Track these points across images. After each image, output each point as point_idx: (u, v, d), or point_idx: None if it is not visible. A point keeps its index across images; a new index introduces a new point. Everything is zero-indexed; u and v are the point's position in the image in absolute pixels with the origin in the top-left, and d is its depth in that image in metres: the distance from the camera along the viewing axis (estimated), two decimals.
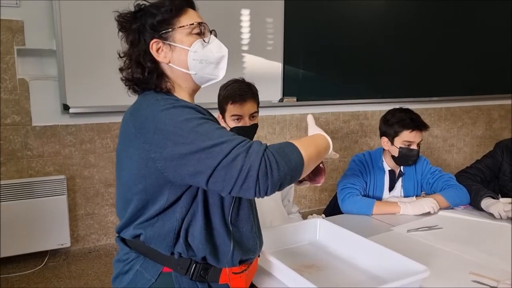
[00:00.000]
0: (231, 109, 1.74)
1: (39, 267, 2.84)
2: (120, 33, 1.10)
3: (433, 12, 4.13)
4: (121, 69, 1.11)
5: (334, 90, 3.78)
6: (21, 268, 2.81)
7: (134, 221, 1.06)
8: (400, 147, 2.03)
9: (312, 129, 1.17)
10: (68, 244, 2.92)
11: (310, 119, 1.20)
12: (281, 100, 3.53)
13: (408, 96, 4.07)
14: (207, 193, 1.04)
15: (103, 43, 2.82)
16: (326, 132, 1.16)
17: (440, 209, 1.95)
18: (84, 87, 2.87)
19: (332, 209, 2.24)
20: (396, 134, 2.05)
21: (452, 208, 2.00)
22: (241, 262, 1.11)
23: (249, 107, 1.76)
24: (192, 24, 1.07)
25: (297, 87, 3.58)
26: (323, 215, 1.96)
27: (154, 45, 1.06)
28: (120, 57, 1.11)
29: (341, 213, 2.02)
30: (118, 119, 3.01)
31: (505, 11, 4.54)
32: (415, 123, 2.02)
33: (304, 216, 2.29)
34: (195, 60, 1.07)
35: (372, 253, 1.41)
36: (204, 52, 1.08)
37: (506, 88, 4.76)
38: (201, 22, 1.09)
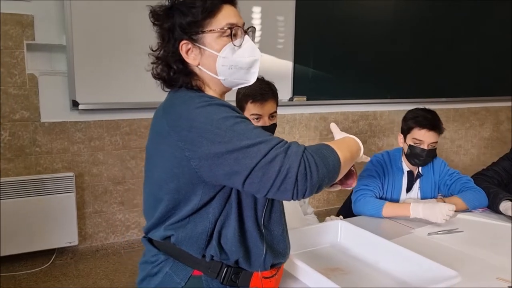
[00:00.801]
0: (251, 108, 1.71)
1: (46, 265, 2.81)
2: (154, 27, 1.06)
3: (443, 14, 4.10)
4: (153, 63, 1.07)
5: (344, 90, 3.75)
6: (28, 266, 2.78)
7: (165, 222, 1.03)
8: (410, 145, 2.01)
9: (338, 135, 1.14)
10: (76, 242, 2.89)
11: (334, 127, 1.18)
12: (291, 99, 3.50)
13: (417, 96, 4.04)
14: (240, 194, 1.01)
15: (114, 39, 2.78)
16: None
17: (457, 211, 1.93)
18: (93, 83, 2.83)
19: (347, 210, 2.21)
20: (409, 131, 2.03)
21: (470, 211, 1.97)
22: (272, 266, 1.08)
23: (269, 107, 1.74)
24: (223, 28, 1.01)
25: (307, 86, 3.56)
26: (341, 216, 1.93)
27: (184, 46, 1.03)
28: (153, 51, 1.07)
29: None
30: (128, 116, 3.04)
31: None
32: (428, 121, 1.97)
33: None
34: (224, 66, 1.03)
35: (398, 256, 1.38)
36: (235, 57, 1.03)
37: None
38: (233, 25, 1.02)
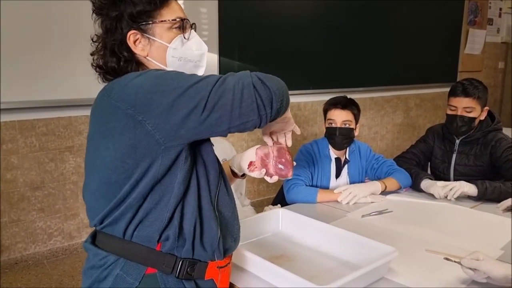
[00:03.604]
0: None
1: None
2: (94, 15, 1.01)
3: (359, 8, 4.33)
4: (92, 54, 1.02)
5: None
6: None
7: (123, 203, 0.96)
8: (326, 127, 2.14)
9: None
10: None
11: None
12: None
13: (337, 87, 4.22)
14: (199, 174, 1.00)
15: (24, 31, 2.55)
16: None
17: (390, 192, 2.08)
18: (1, 79, 2.57)
19: (282, 199, 2.25)
20: (325, 114, 2.16)
21: (397, 192, 2.11)
22: (224, 252, 1.07)
23: None
24: (175, 20, 1.03)
25: None
26: (279, 205, 1.96)
27: (131, 37, 1.01)
28: (93, 41, 1.02)
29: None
30: (44, 115, 2.81)
31: (423, 9, 4.90)
32: (337, 101, 2.10)
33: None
34: (174, 57, 1.04)
35: (337, 238, 1.43)
36: (184, 49, 1.05)
37: (421, 79, 5.18)
38: (184, 18, 1.04)
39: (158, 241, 0.97)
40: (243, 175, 1.31)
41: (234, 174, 1.31)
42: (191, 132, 0.90)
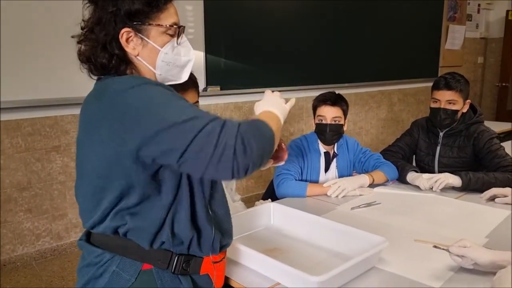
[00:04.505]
0: None
1: None
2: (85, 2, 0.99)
3: (344, 10, 4.40)
4: (79, 42, 1.00)
5: (256, 79, 3.83)
6: None
7: (113, 211, 0.97)
8: (316, 123, 2.16)
9: (263, 104, 1.12)
10: None
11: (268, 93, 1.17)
12: (204, 90, 3.48)
13: (323, 83, 4.28)
14: (192, 177, 1.00)
15: (6, 30, 2.52)
16: None
17: (378, 184, 2.13)
18: None
19: (271, 194, 2.28)
20: (314, 110, 2.18)
21: (384, 185, 2.16)
22: (221, 248, 1.09)
23: (191, 97, 1.72)
24: (172, 26, 1.03)
25: (220, 76, 3.56)
26: (269, 199, 1.98)
27: (124, 34, 0.99)
28: (82, 29, 1.00)
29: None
30: (29, 115, 2.78)
31: (405, 7, 4.98)
32: (327, 98, 2.12)
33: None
34: (163, 62, 1.04)
35: (329, 230, 1.47)
36: (173, 55, 1.05)
37: (403, 74, 5.27)
38: (180, 26, 1.05)
39: (151, 245, 0.98)
40: None
41: None
42: (166, 165, 0.92)
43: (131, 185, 0.94)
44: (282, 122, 1.09)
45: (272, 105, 1.10)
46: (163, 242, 0.99)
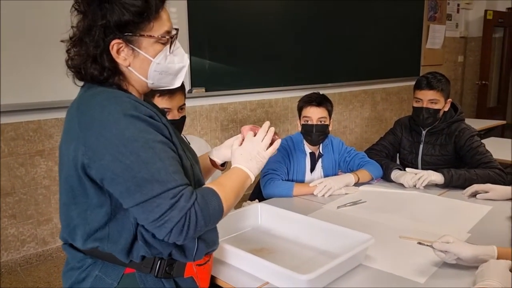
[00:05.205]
0: (159, 101, 1.67)
1: None
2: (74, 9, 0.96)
3: (326, 10, 4.44)
4: (68, 51, 0.98)
5: (241, 80, 3.84)
6: None
7: (82, 232, 0.98)
8: (302, 124, 2.18)
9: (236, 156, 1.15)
10: None
11: (246, 130, 1.22)
12: (189, 91, 3.48)
13: (307, 83, 4.32)
14: None
15: None
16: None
17: (363, 183, 2.16)
18: None
19: (258, 194, 2.30)
20: (300, 111, 2.20)
21: (369, 183, 2.19)
22: (206, 253, 1.09)
23: (177, 100, 1.73)
24: (164, 36, 0.99)
25: (204, 78, 3.57)
26: (256, 200, 2.00)
27: (115, 46, 0.95)
28: (70, 38, 0.98)
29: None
30: (12, 119, 2.74)
31: (386, 7, 5.05)
32: (313, 99, 2.14)
33: None
34: (156, 71, 1.01)
35: (316, 229, 1.48)
36: (166, 63, 1.02)
37: (386, 73, 5.35)
38: (169, 33, 1.00)
39: (129, 260, 0.98)
40: (223, 164, 1.34)
41: (214, 165, 1.33)
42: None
43: (93, 202, 0.95)
44: (252, 178, 1.13)
45: (247, 158, 1.13)
46: (143, 256, 0.99)
